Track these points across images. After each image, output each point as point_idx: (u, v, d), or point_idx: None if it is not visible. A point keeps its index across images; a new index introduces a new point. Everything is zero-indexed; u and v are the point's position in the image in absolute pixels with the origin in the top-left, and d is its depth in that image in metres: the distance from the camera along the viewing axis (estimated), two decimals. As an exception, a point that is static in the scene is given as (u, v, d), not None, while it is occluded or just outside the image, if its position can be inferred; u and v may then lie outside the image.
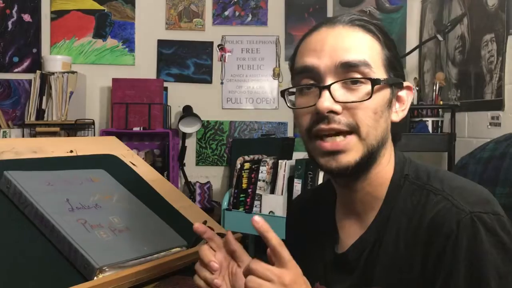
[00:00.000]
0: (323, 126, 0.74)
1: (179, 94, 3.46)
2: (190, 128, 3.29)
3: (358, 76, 0.74)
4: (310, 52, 0.76)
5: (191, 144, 3.50)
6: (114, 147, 1.42)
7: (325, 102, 0.72)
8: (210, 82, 3.52)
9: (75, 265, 0.85)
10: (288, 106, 0.80)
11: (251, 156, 2.36)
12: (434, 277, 0.70)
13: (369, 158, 0.76)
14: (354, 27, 0.76)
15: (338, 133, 0.74)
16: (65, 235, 0.87)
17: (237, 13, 3.51)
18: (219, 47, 3.50)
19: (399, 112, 0.80)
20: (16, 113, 3.48)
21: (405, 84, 0.80)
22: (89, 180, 1.11)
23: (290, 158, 2.33)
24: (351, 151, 0.74)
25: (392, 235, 0.76)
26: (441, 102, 2.56)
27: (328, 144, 0.74)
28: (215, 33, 3.51)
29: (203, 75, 3.52)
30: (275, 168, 2.25)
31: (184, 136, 3.38)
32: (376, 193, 0.79)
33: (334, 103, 0.73)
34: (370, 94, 0.73)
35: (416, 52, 3.24)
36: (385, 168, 0.79)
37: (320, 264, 0.86)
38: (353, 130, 0.74)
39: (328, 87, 0.73)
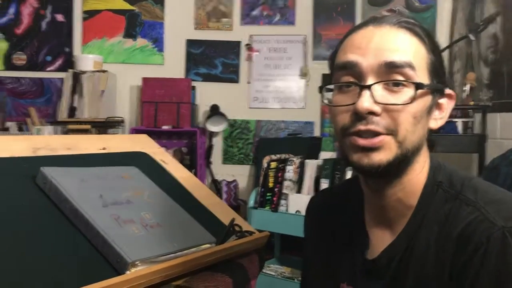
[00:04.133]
0: (361, 126, 0.72)
1: (207, 93, 3.50)
2: (217, 127, 3.32)
3: (401, 78, 0.72)
4: (354, 48, 0.75)
5: (218, 143, 3.53)
6: (145, 145, 1.44)
7: (365, 102, 0.71)
8: (237, 81, 3.54)
9: (108, 259, 0.87)
10: (325, 103, 0.79)
11: (278, 155, 2.36)
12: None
13: (402, 162, 0.74)
14: (402, 29, 0.74)
15: (375, 134, 0.72)
16: (99, 230, 0.89)
17: (265, 13, 3.52)
18: (247, 46, 3.52)
19: (438, 120, 0.78)
20: (48, 110, 3.58)
21: (447, 91, 0.78)
22: (122, 177, 1.14)
23: (317, 157, 2.32)
24: (385, 150, 0.72)
25: (423, 243, 0.75)
26: (472, 103, 2.51)
27: (363, 140, 0.72)
28: (243, 32, 3.54)
29: (231, 75, 3.54)
30: (301, 167, 2.25)
31: (211, 134, 3.41)
32: (408, 200, 0.78)
33: (374, 104, 0.71)
34: (413, 99, 0.71)
35: (446, 52, 3.19)
36: (419, 175, 0.78)
37: (349, 267, 0.85)
38: (391, 132, 0.72)
39: (369, 87, 0.71)
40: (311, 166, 2.20)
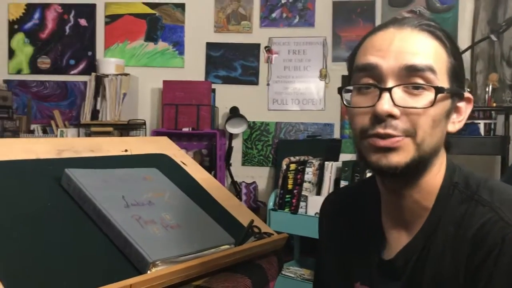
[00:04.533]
0: (379, 129, 0.72)
1: (227, 96, 3.53)
2: (236, 128, 3.34)
3: (421, 81, 0.71)
4: (374, 50, 0.74)
5: (237, 145, 3.55)
6: (166, 147, 1.47)
7: (385, 105, 0.70)
8: (256, 83, 3.56)
9: (130, 258, 0.89)
10: (344, 104, 0.79)
11: (297, 157, 2.37)
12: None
13: (420, 164, 0.74)
14: (423, 32, 0.74)
15: (393, 136, 0.72)
16: (121, 230, 0.91)
17: (284, 15, 3.53)
18: (266, 49, 3.53)
19: (456, 123, 0.78)
20: (72, 113, 3.65)
21: (466, 95, 0.78)
22: (143, 178, 1.16)
23: (336, 159, 2.32)
24: (403, 151, 0.72)
25: (439, 244, 0.75)
26: (494, 104, 2.47)
27: (381, 141, 0.72)
28: (262, 35, 3.55)
29: (250, 77, 3.56)
30: (321, 169, 2.25)
31: (231, 136, 3.43)
32: (424, 201, 0.78)
33: (393, 107, 0.71)
34: (433, 102, 0.70)
35: (468, 53, 3.15)
36: (435, 176, 0.78)
37: (364, 267, 0.85)
38: (410, 135, 0.72)
39: (389, 90, 0.71)
40: (331, 168, 2.20)
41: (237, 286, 1.02)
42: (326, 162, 2.23)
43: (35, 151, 1.11)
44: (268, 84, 3.54)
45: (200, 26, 3.60)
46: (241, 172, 3.52)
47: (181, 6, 3.62)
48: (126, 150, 1.33)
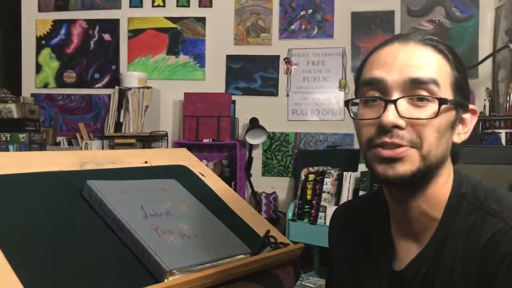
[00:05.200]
0: (386, 139, 0.74)
1: (247, 107, 3.56)
2: (256, 139, 3.37)
3: (425, 93, 0.73)
4: (379, 65, 0.77)
5: (257, 155, 3.57)
6: (185, 158, 1.50)
7: (390, 116, 0.72)
8: (276, 94, 3.59)
9: (148, 267, 0.92)
10: (351, 116, 0.81)
11: (316, 168, 2.38)
12: None
13: (426, 174, 0.75)
14: (426, 46, 0.76)
15: (399, 146, 0.74)
16: (139, 239, 0.94)
17: (303, 27, 3.56)
18: (285, 60, 3.56)
19: (461, 134, 0.79)
20: (96, 125, 3.75)
21: (470, 107, 0.80)
22: (162, 189, 1.19)
23: (355, 170, 2.32)
24: (409, 161, 0.74)
25: (449, 255, 0.76)
26: (516, 113, 2.44)
27: (387, 151, 0.74)
28: (281, 47, 3.59)
29: (270, 88, 3.60)
30: (339, 180, 2.25)
31: (251, 147, 3.46)
32: (432, 212, 0.79)
33: (398, 118, 0.72)
34: (436, 113, 0.72)
35: (489, 62, 3.12)
36: (443, 187, 0.79)
37: (374, 279, 0.86)
38: (415, 146, 0.73)
39: (394, 102, 0.73)
40: (349, 178, 2.20)
41: (253, 295, 1.04)
42: (344, 173, 2.24)
43: (59, 164, 1.16)
44: (287, 95, 3.57)
45: (221, 39, 3.66)
46: (261, 183, 3.54)
47: (202, 20, 3.69)
48: (146, 162, 1.37)
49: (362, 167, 2.39)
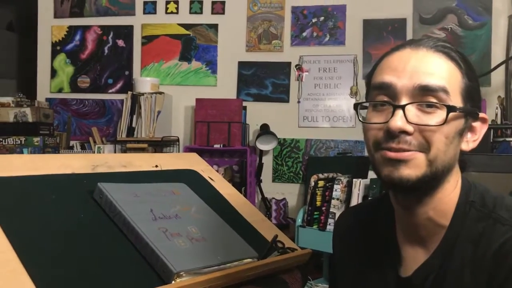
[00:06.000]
0: (392, 144, 0.74)
1: (258, 113, 3.58)
2: (266, 145, 3.38)
3: (434, 100, 0.73)
4: (390, 70, 0.77)
5: (268, 161, 3.58)
6: (194, 163, 1.52)
7: (398, 121, 0.73)
8: (287, 101, 3.60)
9: (156, 269, 0.93)
10: (359, 120, 0.81)
11: (325, 174, 2.38)
12: None
13: (432, 180, 0.75)
14: (438, 53, 0.76)
15: (407, 151, 0.74)
16: (148, 241, 0.96)
17: (315, 34, 3.57)
18: (297, 67, 3.58)
19: (470, 142, 0.79)
20: (109, 130, 3.79)
21: (481, 115, 0.79)
22: (171, 192, 1.21)
23: (365, 177, 2.32)
24: (414, 165, 0.74)
25: (457, 262, 0.75)
26: (528, 122, 2.43)
27: (393, 153, 0.74)
28: (293, 53, 3.60)
29: (281, 94, 3.61)
30: (349, 186, 2.25)
31: (261, 153, 3.48)
32: (440, 219, 0.79)
33: (406, 124, 0.73)
34: (444, 120, 0.72)
35: (502, 70, 3.10)
36: (450, 194, 0.79)
37: (381, 285, 0.86)
38: (423, 150, 0.74)
39: (403, 107, 0.73)
40: (359, 185, 2.20)
41: (259, 299, 1.05)
42: (354, 179, 2.24)
43: (72, 166, 1.19)
44: (298, 102, 3.58)
45: (233, 45, 3.69)
46: (272, 189, 3.54)
47: (214, 27, 3.72)
48: (156, 166, 1.39)
49: (371, 174, 2.39)
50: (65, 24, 3.92)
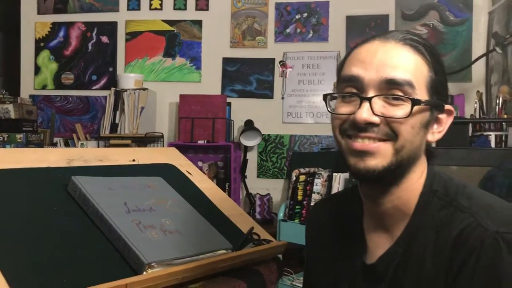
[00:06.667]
0: (359, 133, 0.76)
1: (242, 109, 3.59)
2: (251, 141, 3.40)
3: (400, 94, 0.75)
4: (358, 62, 0.78)
5: (252, 157, 3.60)
6: (173, 157, 1.51)
7: (364, 113, 0.75)
8: (271, 97, 3.62)
9: (128, 260, 0.93)
10: (328, 110, 0.83)
11: (307, 169, 2.40)
12: None
13: (397, 169, 0.77)
14: (406, 46, 0.78)
15: (373, 139, 0.76)
16: (120, 233, 0.96)
17: (298, 30, 3.59)
18: (281, 63, 3.60)
19: (435, 133, 0.81)
20: (93, 126, 3.77)
21: (447, 107, 0.81)
22: (147, 186, 1.21)
23: (345, 171, 2.35)
24: (380, 156, 0.76)
25: (420, 249, 0.77)
26: (505, 116, 2.47)
27: (359, 144, 0.76)
28: (277, 50, 3.62)
29: (265, 91, 3.63)
30: (329, 180, 2.28)
31: (246, 149, 3.49)
32: (404, 207, 0.81)
33: (372, 115, 0.75)
34: (409, 113, 0.74)
35: (483, 66, 3.15)
36: (415, 183, 0.81)
37: (348, 272, 0.88)
38: (390, 138, 0.75)
39: (369, 99, 0.75)
40: (339, 179, 2.23)
41: (232, 289, 1.06)
42: (334, 174, 2.26)
43: (47, 160, 1.18)
44: (282, 98, 3.60)
45: (217, 41, 3.69)
46: (257, 184, 3.56)
47: (199, 23, 3.73)
48: (133, 160, 1.39)
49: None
50: (49, 20, 3.90)
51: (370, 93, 0.76)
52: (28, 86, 3.90)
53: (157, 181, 1.26)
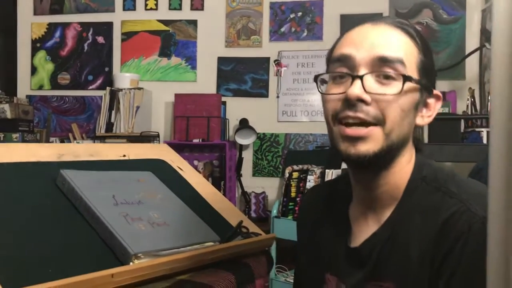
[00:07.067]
0: (349, 113, 0.76)
1: (237, 108, 3.61)
2: (246, 140, 3.41)
3: (392, 71, 0.76)
4: (349, 43, 0.80)
5: (248, 156, 3.61)
6: (165, 153, 1.52)
7: (356, 89, 0.75)
8: (266, 96, 3.63)
9: (115, 251, 0.94)
10: (320, 92, 0.83)
11: (300, 166, 2.42)
12: (440, 276, 0.72)
13: (388, 154, 0.78)
14: (396, 28, 0.80)
15: (363, 123, 0.76)
16: (107, 225, 0.97)
17: (293, 29, 3.61)
18: (275, 62, 3.61)
19: (424, 117, 0.82)
20: (90, 126, 3.79)
21: (435, 92, 0.83)
22: (136, 180, 1.22)
23: (339, 167, 2.36)
24: (371, 141, 0.76)
25: (405, 233, 0.78)
26: (498, 112, 2.48)
27: (350, 130, 0.76)
28: (271, 49, 3.63)
29: (260, 90, 3.64)
30: (322, 177, 2.29)
31: (241, 147, 3.50)
32: (393, 192, 0.82)
33: (364, 93, 0.75)
34: (400, 90, 0.75)
35: (476, 63, 3.16)
36: (404, 168, 0.82)
37: (332, 256, 0.89)
38: (379, 123, 0.76)
39: (361, 77, 0.76)
40: (331, 175, 2.24)
41: (219, 281, 1.06)
42: (327, 170, 2.28)
43: (37, 155, 1.19)
44: (277, 97, 3.61)
45: (212, 41, 3.71)
46: (252, 183, 3.57)
47: (194, 23, 3.74)
48: (124, 156, 1.40)
49: (344, 165, 2.43)
50: (45, 21, 3.91)
51: (362, 71, 0.77)
52: (24, 87, 3.92)
53: (147, 175, 1.27)
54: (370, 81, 0.76)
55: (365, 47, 0.77)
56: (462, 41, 3.34)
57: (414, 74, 0.78)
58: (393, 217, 0.81)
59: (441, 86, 3.15)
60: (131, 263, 0.93)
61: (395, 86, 0.76)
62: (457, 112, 2.75)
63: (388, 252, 0.80)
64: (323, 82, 0.84)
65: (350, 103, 0.76)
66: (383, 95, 0.75)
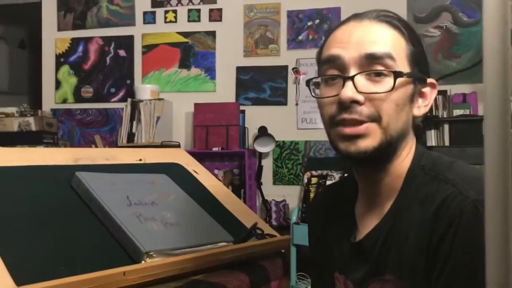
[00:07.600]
0: (345, 115, 0.76)
1: (256, 117, 3.62)
2: (265, 148, 3.41)
3: (382, 68, 0.76)
4: (336, 43, 0.79)
5: (268, 164, 3.61)
6: (180, 157, 1.54)
7: (348, 92, 0.75)
8: (285, 104, 3.64)
9: (127, 251, 0.95)
10: (313, 96, 0.84)
11: (319, 172, 2.40)
12: (436, 261, 0.71)
13: (388, 148, 0.78)
14: (381, 22, 0.79)
15: (359, 122, 0.76)
16: (120, 225, 0.98)
17: (310, 37, 3.61)
18: (294, 70, 3.62)
19: (421, 107, 0.81)
20: (112, 138, 3.86)
21: (429, 80, 0.82)
22: (151, 182, 1.24)
23: (358, 173, 2.34)
24: (370, 136, 0.76)
25: (405, 224, 0.77)
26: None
27: (348, 129, 0.76)
28: (289, 57, 3.64)
29: (279, 98, 3.65)
30: (341, 182, 2.27)
31: (260, 155, 3.50)
32: (394, 183, 0.81)
33: (356, 93, 0.75)
34: (393, 86, 0.75)
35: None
36: (404, 160, 0.81)
37: (339, 254, 0.89)
38: (375, 119, 0.76)
39: (352, 78, 0.75)
40: (350, 180, 2.22)
41: (233, 281, 1.06)
42: (346, 175, 2.25)
43: (55, 159, 1.22)
44: (296, 104, 3.61)
45: (230, 51, 3.74)
46: (273, 191, 3.56)
47: (212, 34, 3.79)
48: (140, 160, 1.42)
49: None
50: (68, 36, 4.02)
51: (352, 72, 0.76)
52: (49, 100, 4.02)
53: (162, 177, 1.28)
54: (362, 81, 0.76)
55: (352, 45, 0.77)
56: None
57: (405, 66, 0.77)
58: (393, 208, 0.81)
59: (462, 88, 3.10)
60: (143, 261, 0.93)
61: (387, 83, 0.75)
62: (478, 114, 2.69)
63: (389, 244, 0.79)
64: (317, 85, 0.84)
65: (344, 105, 0.76)
66: (376, 94, 0.75)
